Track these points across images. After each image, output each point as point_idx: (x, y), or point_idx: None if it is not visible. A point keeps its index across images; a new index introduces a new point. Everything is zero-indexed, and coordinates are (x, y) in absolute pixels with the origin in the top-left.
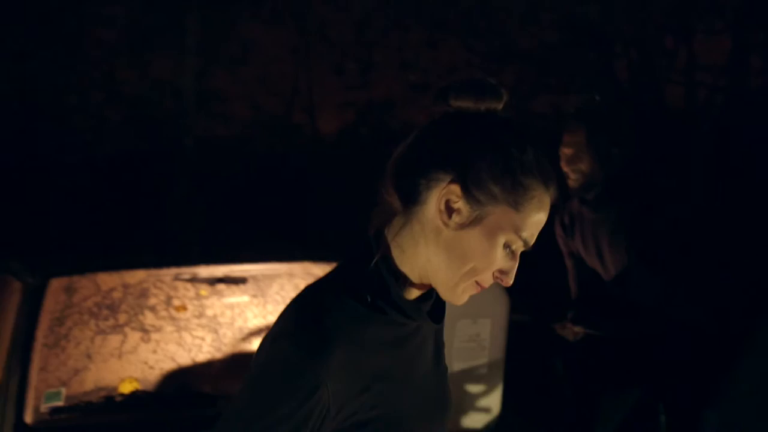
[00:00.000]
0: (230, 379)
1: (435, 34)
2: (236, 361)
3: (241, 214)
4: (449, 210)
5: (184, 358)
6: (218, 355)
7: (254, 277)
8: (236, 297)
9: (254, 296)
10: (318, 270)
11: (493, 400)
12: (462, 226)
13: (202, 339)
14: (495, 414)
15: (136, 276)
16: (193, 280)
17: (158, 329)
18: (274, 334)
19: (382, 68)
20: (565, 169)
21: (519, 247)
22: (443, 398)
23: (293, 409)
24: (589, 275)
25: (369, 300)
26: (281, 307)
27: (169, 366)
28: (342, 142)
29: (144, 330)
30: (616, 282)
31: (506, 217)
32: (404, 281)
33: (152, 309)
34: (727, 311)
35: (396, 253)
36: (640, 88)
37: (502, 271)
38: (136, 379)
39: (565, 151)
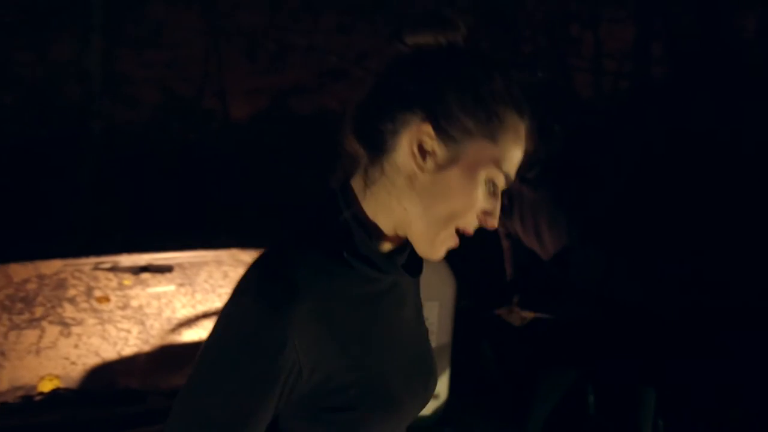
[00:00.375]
0: (159, 373)
1: (346, 19)
2: (165, 354)
3: (154, 201)
4: (423, 153)
5: (109, 353)
6: (146, 348)
7: (180, 265)
8: (162, 286)
9: (181, 285)
10: (246, 257)
11: (441, 386)
12: (439, 168)
13: (128, 331)
14: (443, 399)
15: (52, 266)
16: (115, 269)
17: (79, 322)
18: (233, 294)
19: (294, 53)
20: None
21: (501, 183)
22: (428, 362)
23: (262, 368)
24: (526, 257)
25: (337, 253)
26: (211, 296)
27: (92, 361)
28: (254, 128)
29: (63, 323)
30: (555, 262)
31: (484, 151)
32: (376, 234)
33: (72, 301)
34: (667, 291)
35: (366, 205)
36: (549, 73)
37: (486, 212)
38: (57, 377)
39: None
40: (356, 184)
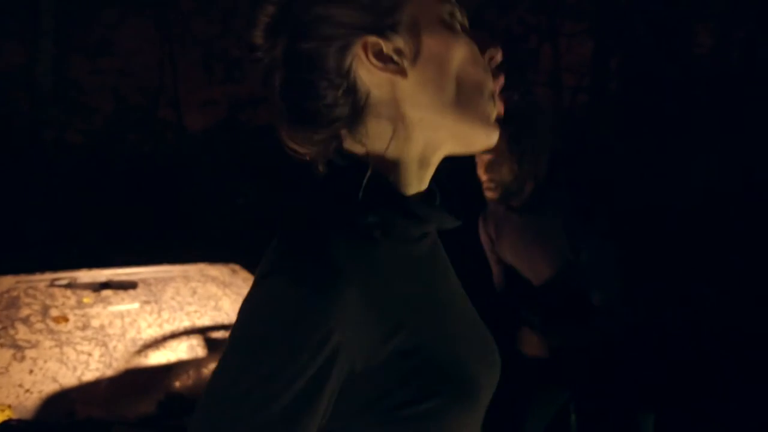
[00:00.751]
0: (125, 401)
1: None
2: (131, 379)
3: (114, 214)
4: (389, 60)
5: (68, 378)
6: (109, 373)
7: (145, 281)
8: (126, 304)
9: (146, 302)
10: (216, 272)
11: None
12: (414, 55)
13: (89, 354)
14: None
15: (3, 283)
16: (73, 285)
17: (34, 345)
18: (257, 282)
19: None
20: (483, 177)
21: (459, 16)
22: (483, 330)
23: (305, 365)
24: (518, 281)
25: (366, 218)
26: (178, 314)
27: (50, 388)
28: (211, 139)
29: (16, 346)
30: (548, 288)
31: (422, 2)
32: (402, 182)
33: (25, 321)
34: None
35: (377, 158)
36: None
37: (481, 45)
38: (9, 407)
39: (484, 157)
40: (352, 148)
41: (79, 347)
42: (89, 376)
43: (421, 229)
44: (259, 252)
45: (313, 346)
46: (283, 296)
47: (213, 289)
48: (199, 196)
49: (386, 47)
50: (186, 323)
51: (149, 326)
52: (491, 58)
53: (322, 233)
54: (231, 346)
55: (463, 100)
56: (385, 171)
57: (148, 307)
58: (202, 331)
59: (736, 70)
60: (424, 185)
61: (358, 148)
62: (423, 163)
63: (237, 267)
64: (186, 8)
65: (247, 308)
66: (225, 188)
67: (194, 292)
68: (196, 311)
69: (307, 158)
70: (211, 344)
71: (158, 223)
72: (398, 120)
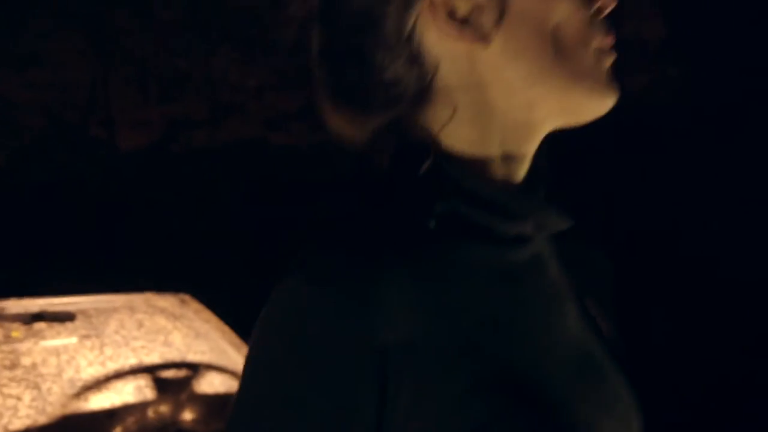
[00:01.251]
0: None
1: (242, 52)
2: (69, 426)
3: (47, 236)
4: (466, 23)
5: None
6: (42, 420)
7: (84, 313)
8: (62, 338)
9: (86, 337)
10: (164, 302)
11: None
12: (501, 12)
13: (18, 399)
14: None
15: None
16: None
17: None
18: (274, 290)
19: (187, 84)
20: None
21: None
22: (616, 382)
23: (342, 379)
24: None
25: (437, 204)
26: (123, 350)
27: None
28: (145, 160)
29: None
30: None
31: None
32: (486, 173)
33: None
34: None
35: (453, 145)
36: None
37: None
38: None
39: None
40: (412, 134)
41: (6, 390)
42: (18, 424)
43: (514, 227)
44: (210, 280)
45: (351, 353)
46: (298, 298)
47: (162, 321)
48: (140, 218)
49: (461, 5)
50: (132, 360)
51: (90, 364)
52: (599, 9)
53: (364, 225)
54: (245, 371)
55: (566, 61)
56: (464, 155)
57: (88, 342)
58: (150, 370)
59: (669, 110)
60: (515, 179)
61: (419, 136)
62: (510, 155)
63: (187, 297)
64: (120, 24)
65: (259, 323)
66: (167, 211)
67: (141, 325)
68: (143, 347)
69: (358, 149)
70: (160, 384)
71: (97, 247)
72: (478, 100)
